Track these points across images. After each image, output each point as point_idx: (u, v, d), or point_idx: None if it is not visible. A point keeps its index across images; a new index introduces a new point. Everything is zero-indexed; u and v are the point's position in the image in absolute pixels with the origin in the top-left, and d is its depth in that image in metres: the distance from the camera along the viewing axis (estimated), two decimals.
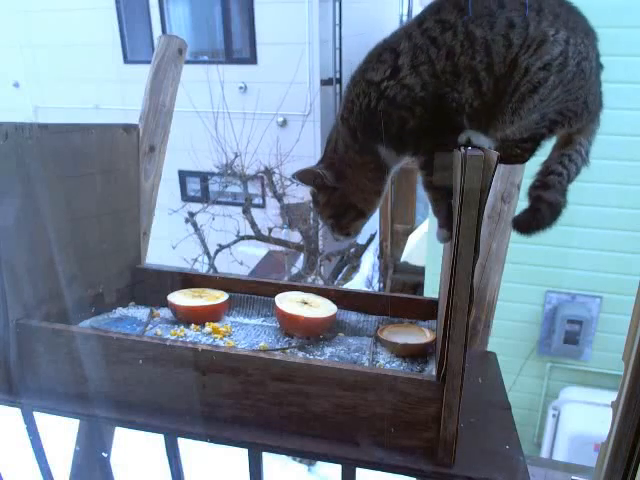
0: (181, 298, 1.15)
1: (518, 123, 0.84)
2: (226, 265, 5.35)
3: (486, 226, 1.18)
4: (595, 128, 0.91)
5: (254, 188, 5.90)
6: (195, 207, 5.30)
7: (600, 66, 0.87)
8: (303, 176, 0.95)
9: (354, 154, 0.92)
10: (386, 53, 0.86)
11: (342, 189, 0.94)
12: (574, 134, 0.89)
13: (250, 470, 0.91)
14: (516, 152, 0.89)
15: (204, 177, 6.29)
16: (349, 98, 0.90)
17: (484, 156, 0.64)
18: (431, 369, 0.94)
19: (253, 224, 4.92)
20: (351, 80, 0.91)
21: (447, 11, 0.82)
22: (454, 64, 0.81)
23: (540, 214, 0.86)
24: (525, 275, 3.49)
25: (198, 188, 6.77)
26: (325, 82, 6.15)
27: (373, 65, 0.87)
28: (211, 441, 0.84)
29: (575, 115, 0.85)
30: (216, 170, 5.34)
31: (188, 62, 1.63)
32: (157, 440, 0.93)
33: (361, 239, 6.55)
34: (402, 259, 5.36)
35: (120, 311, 1.18)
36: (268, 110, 5.69)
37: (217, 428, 0.84)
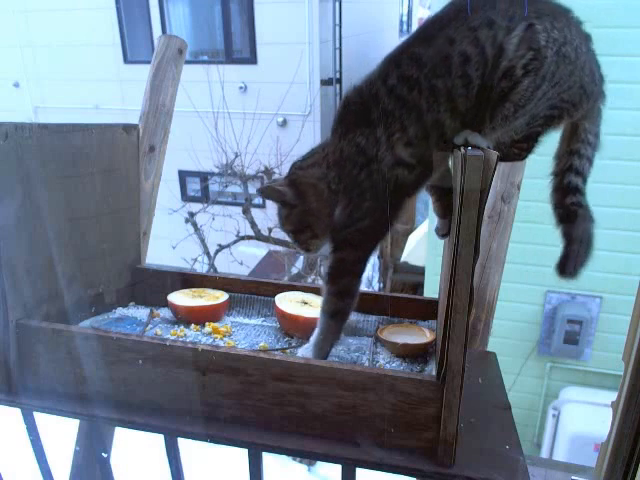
0: (181, 298, 1.15)
1: (501, 130, 0.83)
2: (226, 265, 5.35)
3: (486, 226, 1.18)
4: (600, 105, 0.87)
5: (254, 188, 5.90)
6: (195, 207, 5.30)
7: (587, 38, 0.82)
8: (267, 192, 0.96)
9: (325, 188, 0.91)
10: (362, 120, 0.86)
11: (301, 208, 0.93)
12: (579, 120, 0.87)
13: (250, 470, 0.91)
14: (514, 152, 0.89)
15: (204, 177, 6.29)
16: (339, 148, 0.89)
17: (484, 156, 0.64)
18: (431, 369, 0.94)
19: (253, 224, 4.92)
20: (338, 124, 0.90)
21: (407, 65, 0.82)
22: (423, 122, 0.81)
23: (578, 255, 0.87)
24: (525, 275, 3.49)
25: (198, 188, 6.77)
26: (325, 82, 6.15)
27: (357, 126, 0.86)
28: (211, 441, 0.84)
29: (573, 105, 0.83)
30: (216, 170, 5.34)
31: (188, 62, 1.63)
32: (157, 440, 0.93)
33: None
34: (402, 259, 5.36)
35: (120, 311, 1.18)
36: (268, 110, 5.69)
37: (217, 428, 0.84)
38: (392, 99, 0.82)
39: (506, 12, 0.78)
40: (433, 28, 0.82)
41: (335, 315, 0.91)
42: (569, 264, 0.89)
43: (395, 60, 0.84)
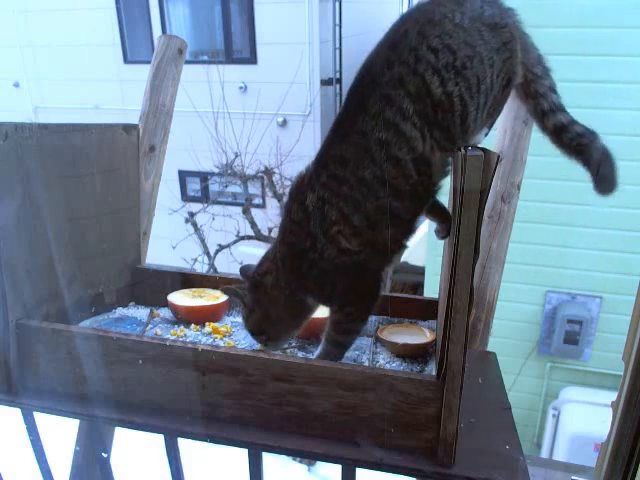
0: (181, 298, 1.15)
1: (478, 132, 0.83)
2: (226, 265, 5.35)
3: (486, 226, 1.18)
4: (520, 26, 0.83)
5: (254, 188, 5.90)
6: (195, 207, 5.30)
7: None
8: (230, 292, 0.99)
9: (280, 293, 0.92)
10: (300, 212, 0.86)
11: (258, 313, 0.95)
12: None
13: (250, 470, 0.91)
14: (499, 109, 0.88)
15: (204, 177, 6.29)
16: (278, 249, 0.91)
17: (484, 156, 0.64)
18: (431, 369, 0.94)
19: (253, 224, 4.92)
20: (285, 220, 0.90)
21: (333, 165, 0.83)
22: (364, 212, 0.82)
23: (605, 173, 0.87)
24: (525, 275, 3.49)
25: (198, 188, 6.77)
26: (325, 82, 6.15)
27: (293, 225, 0.88)
28: (211, 441, 0.84)
29: (508, 61, 0.80)
30: (216, 170, 5.34)
31: (188, 62, 1.63)
32: (157, 440, 0.93)
33: None
34: (402, 259, 5.36)
35: (120, 311, 1.18)
36: (268, 110, 5.68)
37: (217, 428, 0.84)
38: (327, 192, 0.83)
39: (392, 78, 0.77)
40: (343, 125, 0.83)
41: (338, 346, 0.94)
42: (601, 184, 0.88)
43: (321, 162, 0.85)
